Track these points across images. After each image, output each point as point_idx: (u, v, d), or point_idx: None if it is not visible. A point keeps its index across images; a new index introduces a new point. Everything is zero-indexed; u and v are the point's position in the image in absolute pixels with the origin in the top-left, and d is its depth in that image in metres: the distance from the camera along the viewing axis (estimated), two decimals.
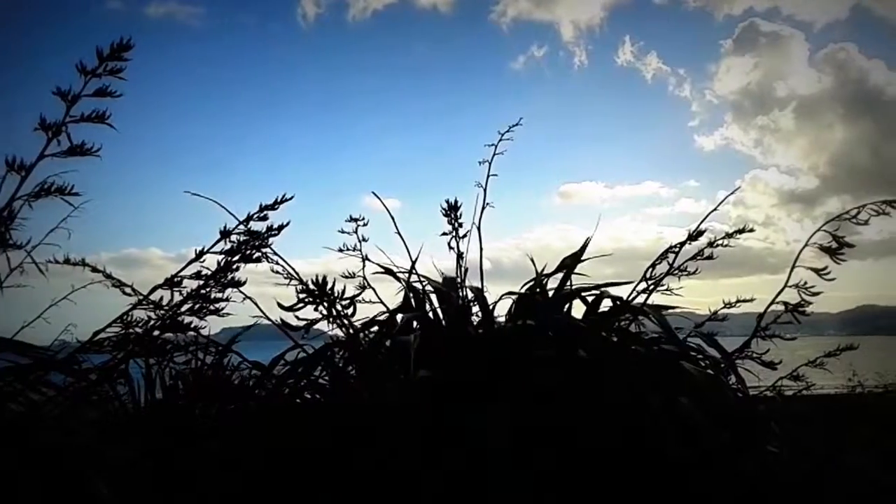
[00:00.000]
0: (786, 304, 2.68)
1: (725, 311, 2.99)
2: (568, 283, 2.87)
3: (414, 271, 2.90)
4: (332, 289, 2.32)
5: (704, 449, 2.21)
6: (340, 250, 3.12)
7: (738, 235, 2.90)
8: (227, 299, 2.42)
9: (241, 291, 2.58)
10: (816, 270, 2.60)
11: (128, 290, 2.81)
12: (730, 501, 2.24)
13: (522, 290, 2.85)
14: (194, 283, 2.29)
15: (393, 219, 3.09)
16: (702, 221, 2.89)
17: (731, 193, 3.22)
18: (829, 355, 2.86)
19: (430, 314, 2.81)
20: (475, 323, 2.81)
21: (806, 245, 2.65)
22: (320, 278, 2.31)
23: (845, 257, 2.59)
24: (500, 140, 3.08)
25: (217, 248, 2.30)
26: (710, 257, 2.91)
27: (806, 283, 2.64)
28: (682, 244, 2.89)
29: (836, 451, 2.83)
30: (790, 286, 2.65)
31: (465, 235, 3.06)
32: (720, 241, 2.91)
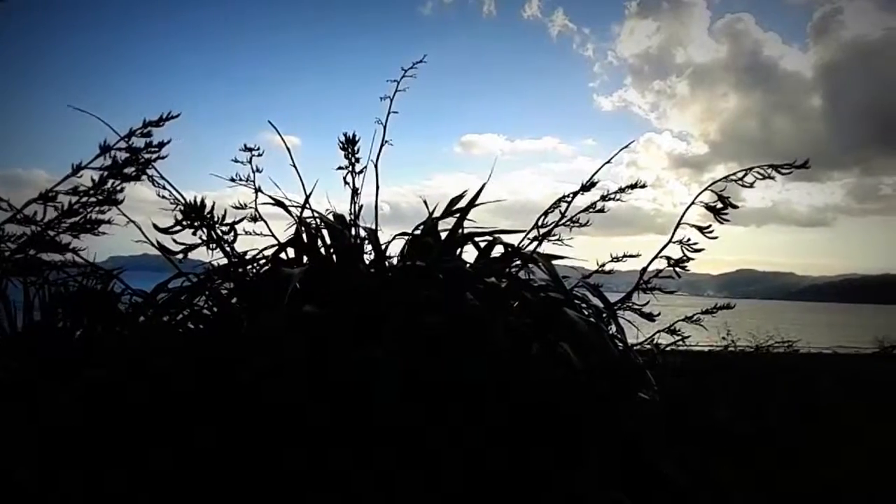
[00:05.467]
0: (668, 258, 2.77)
1: (612, 265, 3.07)
2: (462, 229, 2.87)
3: (308, 206, 2.85)
4: (210, 212, 2.25)
5: (581, 394, 2.26)
6: (232, 180, 3.04)
7: (630, 190, 2.97)
8: (108, 221, 2.34)
9: (123, 213, 2.49)
10: (700, 228, 2.69)
11: (3, 205, 2.67)
12: (602, 445, 2.30)
13: (416, 233, 2.85)
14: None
15: (289, 150, 3.03)
16: (596, 172, 2.98)
17: (626, 147, 3.31)
18: (706, 312, 2.98)
19: (322, 251, 2.76)
20: (367, 262, 2.79)
21: (693, 203, 2.73)
22: (199, 200, 2.24)
23: (729, 218, 2.68)
24: (403, 76, 3.04)
25: (97, 164, 2.21)
26: (601, 210, 2.97)
27: (689, 239, 2.72)
28: (575, 194, 2.94)
29: (704, 402, 2.95)
30: (674, 242, 2.74)
31: (361, 171, 3.03)
32: (612, 195, 2.97)
